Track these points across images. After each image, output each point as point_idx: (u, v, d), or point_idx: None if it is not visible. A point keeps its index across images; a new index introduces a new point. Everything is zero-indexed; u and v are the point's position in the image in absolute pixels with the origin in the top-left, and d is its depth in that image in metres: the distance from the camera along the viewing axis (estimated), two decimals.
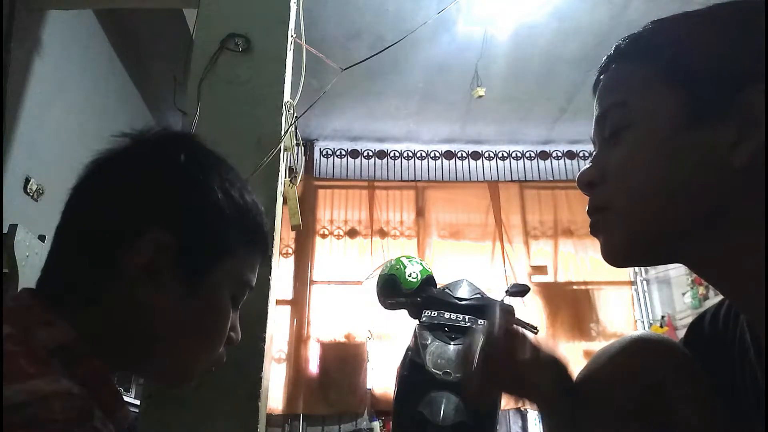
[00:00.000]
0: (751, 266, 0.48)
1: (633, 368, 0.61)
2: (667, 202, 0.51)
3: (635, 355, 0.62)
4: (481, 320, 2.19)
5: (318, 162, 4.90)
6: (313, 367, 4.23)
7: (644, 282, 4.68)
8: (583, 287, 4.55)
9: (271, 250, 1.36)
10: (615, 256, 0.56)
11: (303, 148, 4.67)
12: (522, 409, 4.15)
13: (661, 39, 0.55)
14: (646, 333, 0.66)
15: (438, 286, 2.39)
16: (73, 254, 0.55)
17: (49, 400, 0.39)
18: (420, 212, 4.74)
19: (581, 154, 4.96)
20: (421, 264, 2.41)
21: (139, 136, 0.65)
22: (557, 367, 0.65)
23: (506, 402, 3.98)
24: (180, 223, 0.55)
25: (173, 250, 0.54)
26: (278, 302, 3.21)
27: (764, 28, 0.49)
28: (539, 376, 0.64)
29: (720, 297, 0.60)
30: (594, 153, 0.59)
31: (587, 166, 0.59)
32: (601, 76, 0.60)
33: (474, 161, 5.00)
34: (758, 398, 0.51)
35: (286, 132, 1.51)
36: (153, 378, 0.60)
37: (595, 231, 0.58)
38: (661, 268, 4.52)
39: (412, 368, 2.11)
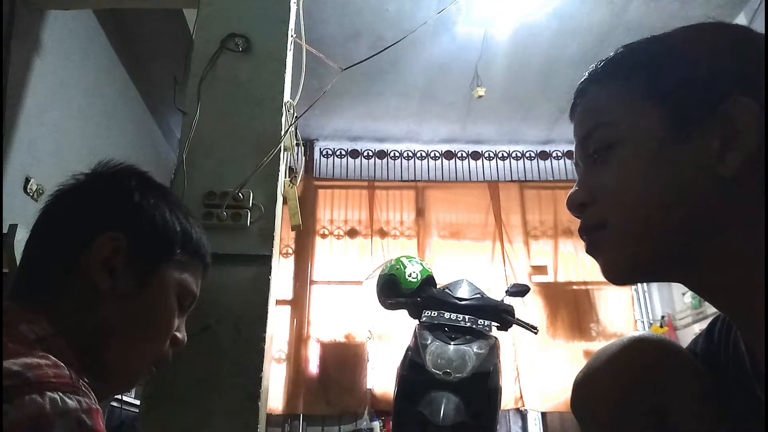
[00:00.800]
0: (746, 276, 0.48)
1: (632, 368, 0.61)
2: (662, 216, 0.51)
3: (635, 355, 0.62)
4: (481, 320, 2.19)
5: (318, 162, 4.90)
6: (313, 367, 4.23)
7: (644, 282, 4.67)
8: (583, 287, 4.55)
9: (272, 250, 1.36)
10: (617, 275, 0.56)
11: (303, 148, 4.68)
12: (522, 409, 4.16)
13: (638, 58, 0.57)
14: (646, 333, 0.66)
15: (438, 286, 2.39)
16: (44, 261, 0.64)
17: (42, 368, 0.46)
18: (420, 212, 4.74)
19: None
20: (421, 264, 2.41)
21: (96, 169, 0.75)
22: None
23: (506, 402, 3.99)
24: (132, 229, 0.65)
25: (126, 249, 0.63)
26: (278, 302, 3.21)
27: (741, 40, 0.51)
28: None
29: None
30: (580, 175, 0.60)
31: (575, 188, 0.59)
32: (578, 100, 0.61)
33: (474, 161, 5.00)
34: (756, 408, 0.51)
35: (286, 132, 1.51)
36: (103, 377, 0.61)
37: (592, 251, 0.58)
38: None
39: (412, 368, 2.10)
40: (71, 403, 0.45)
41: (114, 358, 0.62)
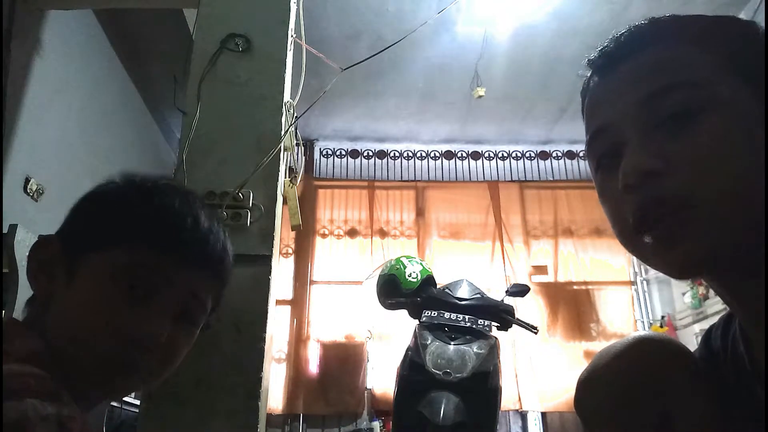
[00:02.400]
0: None
1: (636, 368, 0.61)
2: (754, 201, 0.44)
3: (638, 355, 0.62)
4: (481, 320, 2.19)
5: (318, 162, 4.90)
6: (313, 367, 4.23)
7: (644, 282, 4.68)
8: (583, 287, 4.55)
9: (272, 250, 1.36)
10: (696, 265, 0.46)
11: (303, 148, 4.67)
12: (521, 411, 4.16)
13: (723, 30, 0.51)
14: (649, 333, 0.66)
15: (438, 286, 2.39)
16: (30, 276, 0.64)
17: (25, 378, 0.47)
18: (420, 212, 4.74)
19: (581, 154, 4.96)
20: (421, 264, 2.41)
21: None
22: None
23: (506, 402, 3.99)
24: (62, 228, 0.64)
25: (56, 249, 0.62)
26: (278, 302, 3.21)
27: None
28: None
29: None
30: (636, 139, 0.49)
31: (635, 154, 0.48)
32: (631, 56, 0.53)
33: (474, 161, 5.00)
34: (757, 407, 0.51)
35: (286, 132, 1.51)
36: (79, 378, 0.59)
37: (669, 232, 0.46)
38: None
39: (412, 368, 2.10)
40: (51, 409, 0.45)
41: (71, 356, 0.58)
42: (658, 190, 0.46)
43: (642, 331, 0.71)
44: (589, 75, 0.58)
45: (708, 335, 0.64)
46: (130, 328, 0.59)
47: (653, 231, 0.47)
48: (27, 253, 0.63)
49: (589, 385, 0.65)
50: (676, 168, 0.46)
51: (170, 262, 0.62)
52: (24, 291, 1.60)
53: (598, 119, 0.54)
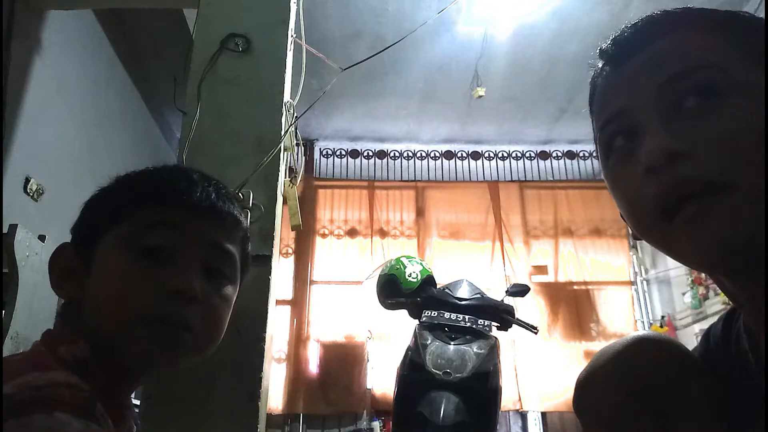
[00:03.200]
0: None
1: (636, 368, 0.60)
2: None
3: (638, 355, 0.62)
4: (481, 320, 2.19)
5: (318, 162, 4.90)
6: (313, 367, 4.23)
7: (644, 282, 4.68)
8: (583, 287, 4.55)
9: (272, 250, 1.36)
10: (729, 251, 0.43)
11: (303, 148, 4.67)
12: (521, 411, 4.16)
13: (740, 22, 0.50)
14: (649, 333, 0.66)
15: (438, 286, 2.39)
16: None
17: (61, 388, 0.47)
18: (420, 212, 4.74)
19: (581, 154, 4.96)
20: (421, 264, 2.41)
21: None
22: None
23: (506, 403, 3.99)
24: (73, 228, 0.66)
25: (69, 252, 0.63)
26: (278, 302, 3.20)
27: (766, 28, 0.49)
28: None
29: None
30: (655, 122, 0.48)
31: (656, 135, 0.46)
32: (650, 39, 0.52)
33: (474, 161, 5.00)
34: (759, 404, 0.51)
35: (286, 132, 1.51)
36: (116, 366, 0.60)
37: (701, 212, 0.44)
38: (661, 267, 4.53)
39: (412, 368, 2.10)
40: (78, 425, 0.45)
41: (109, 339, 0.58)
42: (687, 170, 0.44)
43: (641, 331, 0.71)
44: (600, 66, 0.57)
45: (708, 333, 0.64)
46: (161, 286, 0.59)
47: (682, 213, 0.45)
48: (56, 261, 0.63)
49: (588, 386, 0.65)
50: (704, 149, 0.44)
51: (176, 217, 0.62)
52: (24, 291, 1.60)
53: (612, 105, 0.52)
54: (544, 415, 4.19)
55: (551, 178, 4.93)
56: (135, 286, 0.59)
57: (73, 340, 0.57)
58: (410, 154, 5.01)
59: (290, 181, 1.59)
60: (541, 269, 4.58)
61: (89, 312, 0.60)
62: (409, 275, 2.33)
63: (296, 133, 1.66)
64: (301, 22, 1.74)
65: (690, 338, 3.96)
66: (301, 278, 4.45)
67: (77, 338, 0.57)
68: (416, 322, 2.29)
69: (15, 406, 0.43)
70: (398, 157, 4.99)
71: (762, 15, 3.11)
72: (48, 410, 0.44)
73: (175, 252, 0.61)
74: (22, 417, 0.43)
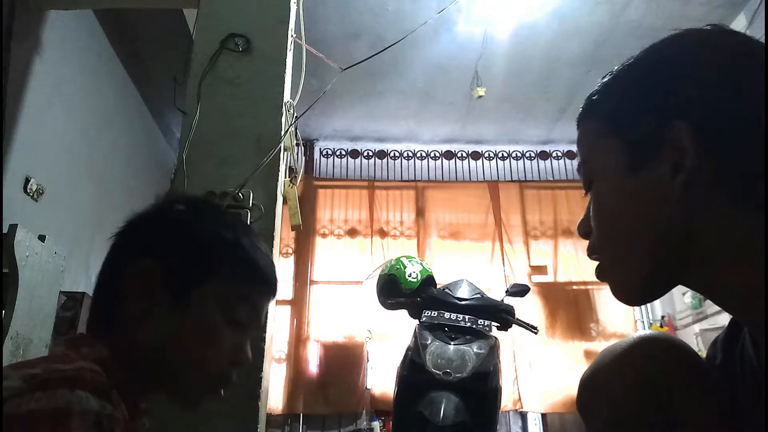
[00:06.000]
0: (740, 281, 0.49)
1: (640, 367, 0.60)
2: (641, 242, 0.54)
3: (642, 355, 0.62)
4: (481, 320, 2.19)
5: (318, 162, 4.90)
6: (313, 367, 4.23)
7: None
8: (583, 287, 4.55)
9: (272, 250, 1.36)
10: (627, 297, 0.58)
11: (303, 148, 4.67)
12: (521, 409, 4.16)
13: (604, 94, 0.60)
14: (653, 332, 0.66)
15: (438, 286, 2.39)
16: (97, 292, 0.69)
17: (83, 371, 0.54)
18: (420, 212, 4.74)
19: None
20: (421, 264, 2.41)
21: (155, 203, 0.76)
22: None
23: (505, 403, 3.99)
24: (165, 254, 0.67)
25: (158, 275, 0.65)
26: (278, 302, 3.21)
27: (704, 55, 0.53)
28: None
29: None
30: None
31: (583, 217, 0.62)
32: (580, 124, 0.63)
33: (474, 161, 5.00)
34: (761, 402, 0.51)
35: (286, 132, 1.51)
36: (169, 397, 0.67)
37: (599, 276, 0.61)
38: None
39: (412, 368, 2.10)
40: (95, 403, 0.50)
41: (171, 378, 0.66)
42: (589, 245, 0.61)
43: (645, 331, 0.73)
44: None
45: (715, 341, 0.64)
46: (233, 353, 0.68)
47: (595, 273, 0.62)
48: (126, 276, 0.65)
49: (592, 385, 0.64)
50: (591, 231, 0.60)
51: (260, 301, 0.73)
52: (24, 291, 1.60)
53: None
54: (544, 415, 4.19)
55: (551, 178, 4.93)
56: (221, 349, 0.67)
57: (93, 343, 0.62)
58: (410, 154, 5.01)
59: (290, 181, 1.59)
60: (540, 269, 4.58)
61: (154, 337, 0.64)
62: (409, 275, 2.33)
63: (296, 133, 1.66)
64: (301, 22, 1.74)
65: (690, 338, 3.96)
66: (301, 278, 4.45)
67: (96, 342, 0.62)
68: (416, 322, 2.29)
69: (42, 381, 0.50)
70: (398, 157, 4.99)
71: (762, 15, 3.11)
72: (71, 387, 0.50)
73: (251, 323, 0.71)
74: (48, 390, 0.49)
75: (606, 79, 0.60)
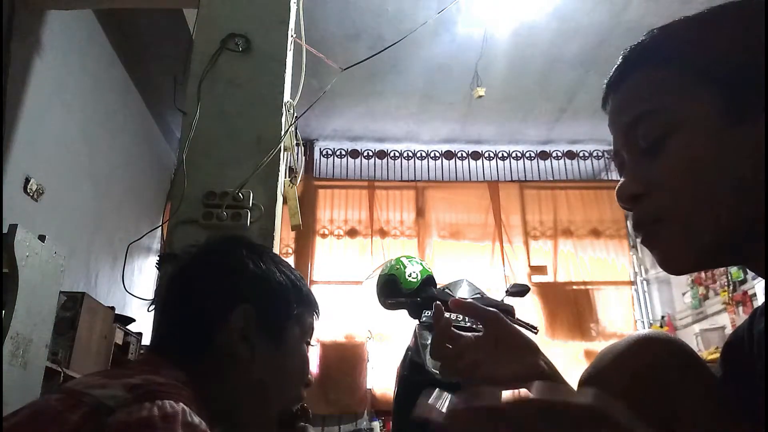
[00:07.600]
0: None
1: (639, 367, 0.60)
2: (724, 205, 0.50)
3: (641, 354, 0.62)
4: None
5: (318, 162, 4.90)
6: (313, 367, 4.23)
7: (644, 282, 4.68)
8: (582, 287, 4.55)
9: (274, 252, 1.36)
10: (679, 266, 0.54)
11: (303, 148, 4.67)
12: None
13: (684, 43, 0.55)
14: (653, 331, 0.66)
15: (438, 286, 2.38)
16: (184, 327, 0.74)
17: (164, 384, 0.57)
18: (420, 212, 4.75)
19: (581, 154, 4.96)
20: (421, 264, 2.41)
21: (210, 243, 0.85)
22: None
23: None
24: (256, 297, 0.74)
25: (255, 318, 0.72)
26: None
27: (766, 26, 0.49)
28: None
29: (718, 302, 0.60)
30: (627, 164, 0.57)
31: (624, 180, 0.57)
32: (613, 90, 0.58)
33: (474, 161, 5.00)
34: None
35: (286, 132, 1.51)
36: (241, 422, 0.73)
37: (649, 243, 0.56)
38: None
39: (412, 368, 2.10)
40: (195, 419, 0.54)
41: (256, 415, 0.73)
42: (638, 210, 0.55)
43: (645, 330, 0.72)
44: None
45: (732, 335, 0.63)
46: (308, 375, 0.81)
47: (643, 241, 0.57)
48: (234, 322, 0.71)
49: (591, 384, 0.64)
50: (652, 190, 0.54)
51: (315, 318, 0.84)
52: (24, 291, 1.60)
53: (612, 143, 0.62)
54: None
55: (551, 178, 4.93)
56: (305, 372, 0.80)
57: (171, 367, 0.66)
58: (410, 154, 5.01)
59: (290, 181, 1.59)
60: (540, 269, 4.58)
61: (251, 376, 0.71)
62: (409, 275, 2.33)
63: (296, 133, 1.66)
64: (301, 22, 1.74)
65: (690, 338, 3.96)
66: None
67: (173, 367, 0.66)
68: (416, 322, 2.28)
69: (147, 392, 0.54)
70: (398, 157, 4.99)
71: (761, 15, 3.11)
72: (175, 399, 0.54)
73: (310, 345, 0.82)
74: (156, 400, 0.52)
75: (674, 28, 0.56)
